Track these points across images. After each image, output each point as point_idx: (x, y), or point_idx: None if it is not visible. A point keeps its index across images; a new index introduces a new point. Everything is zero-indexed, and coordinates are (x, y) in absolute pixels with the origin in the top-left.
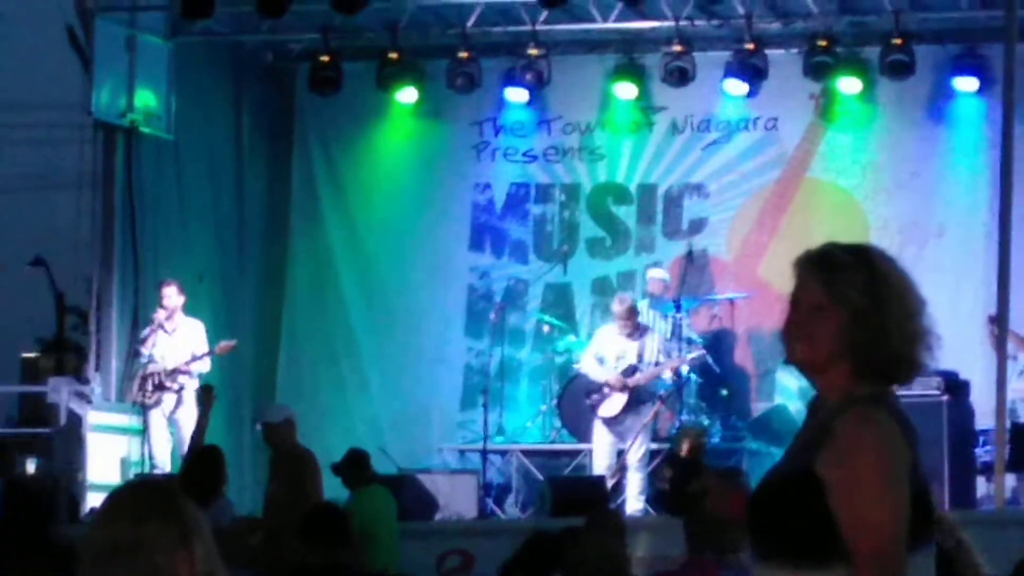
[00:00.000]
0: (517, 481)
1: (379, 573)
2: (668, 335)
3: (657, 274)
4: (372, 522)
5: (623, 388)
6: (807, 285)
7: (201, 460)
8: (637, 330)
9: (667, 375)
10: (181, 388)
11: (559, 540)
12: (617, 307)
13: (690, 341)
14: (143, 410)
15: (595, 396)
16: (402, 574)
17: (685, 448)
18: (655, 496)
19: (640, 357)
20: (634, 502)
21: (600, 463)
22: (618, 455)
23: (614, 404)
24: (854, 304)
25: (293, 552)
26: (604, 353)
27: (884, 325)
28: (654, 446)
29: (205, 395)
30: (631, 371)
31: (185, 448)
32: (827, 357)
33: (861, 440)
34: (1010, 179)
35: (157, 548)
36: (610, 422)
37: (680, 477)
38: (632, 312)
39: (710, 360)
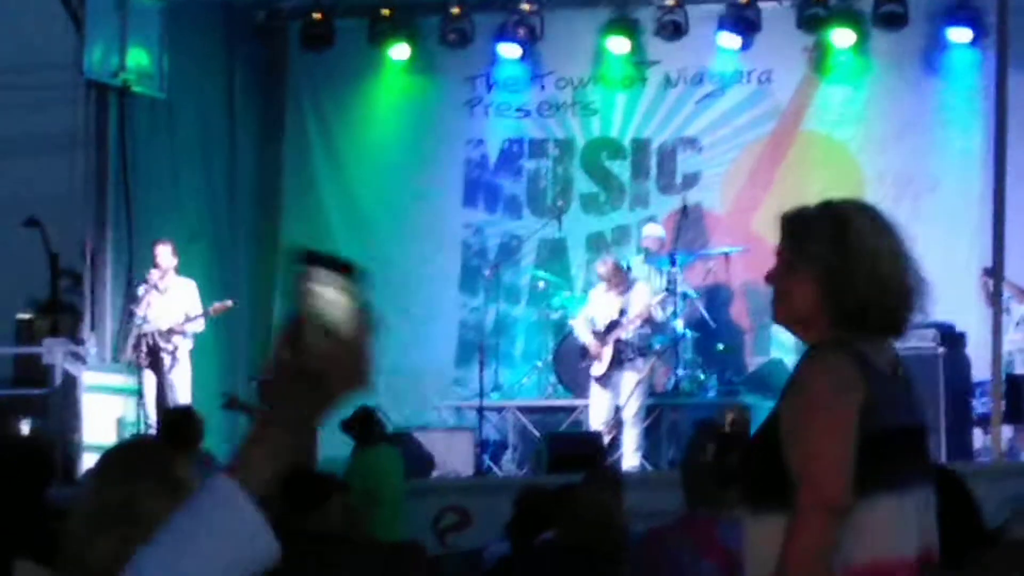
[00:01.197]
0: (514, 438)
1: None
2: (663, 289)
3: (653, 230)
4: (375, 481)
5: (603, 347)
6: (781, 245)
7: (170, 421)
8: (625, 286)
9: (636, 325)
10: (175, 348)
11: (553, 497)
12: (601, 269)
13: (685, 296)
14: (138, 370)
15: (586, 360)
16: (392, 542)
17: (728, 421)
18: (692, 470)
19: (623, 312)
20: (630, 457)
21: (596, 419)
22: (614, 411)
23: (602, 363)
24: (820, 261)
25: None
26: (594, 315)
27: (851, 279)
28: (651, 401)
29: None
30: (612, 326)
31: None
32: (803, 315)
33: (805, 382)
34: (1004, 130)
35: (148, 508)
36: (601, 380)
37: (723, 451)
38: (616, 271)
39: (705, 314)
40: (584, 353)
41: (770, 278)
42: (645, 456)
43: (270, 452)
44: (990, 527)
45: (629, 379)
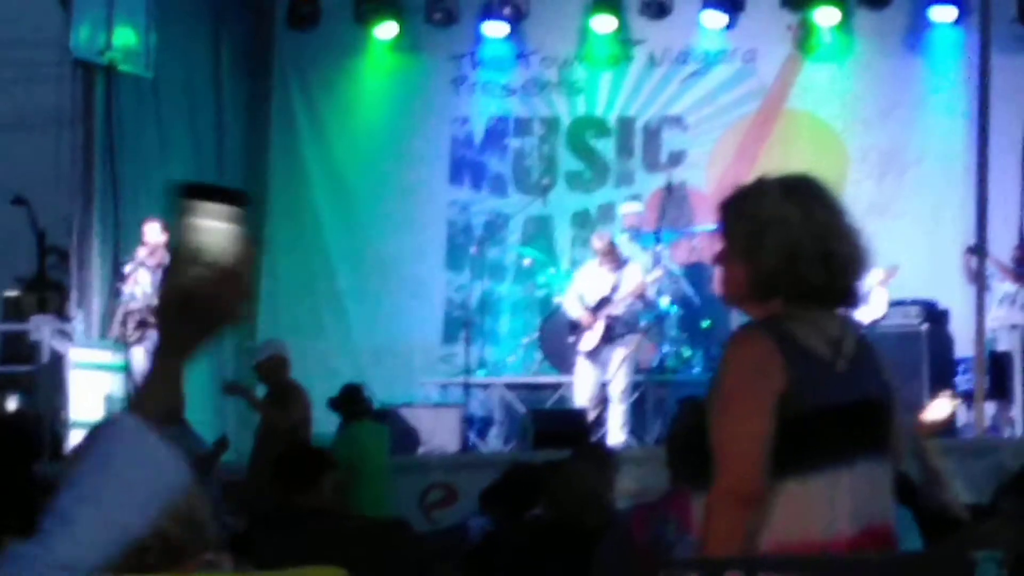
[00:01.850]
0: (499, 414)
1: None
2: (649, 267)
3: (631, 207)
4: (359, 457)
5: (595, 321)
6: (718, 229)
7: None
8: (618, 264)
9: (628, 302)
10: None
11: (540, 472)
12: (597, 244)
13: (670, 273)
14: (125, 347)
15: (575, 335)
16: (378, 518)
17: None
18: (676, 446)
19: (615, 289)
20: (617, 434)
21: (582, 396)
22: (600, 387)
23: (591, 338)
24: (739, 238)
25: (267, 492)
26: (584, 291)
27: (759, 250)
28: (639, 378)
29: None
30: (603, 303)
31: None
32: (738, 293)
33: (723, 363)
34: (987, 109)
35: None
36: (590, 355)
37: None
38: (612, 248)
39: (690, 292)
40: (574, 328)
41: (714, 261)
42: (631, 432)
43: (166, 383)
44: (973, 503)
45: (617, 355)
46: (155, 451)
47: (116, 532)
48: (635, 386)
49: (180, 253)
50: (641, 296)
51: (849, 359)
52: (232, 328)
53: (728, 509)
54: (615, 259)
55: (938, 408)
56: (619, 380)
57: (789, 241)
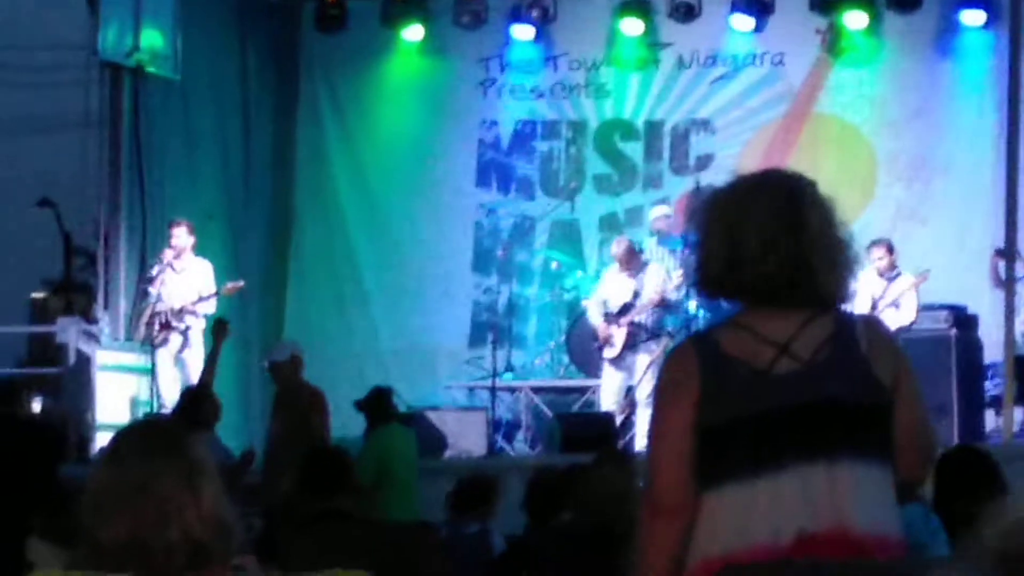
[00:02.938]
0: (526, 418)
1: (379, 521)
2: (670, 270)
3: (660, 211)
4: (388, 460)
5: (618, 329)
6: None
7: (190, 401)
8: (638, 268)
9: (649, 309)
10: (188, 328)
11: (566, 477)
12: (615, 249)
13: None
14: (151, 349)
15: (598, 342)
16: (403, 521)
17: None
18: None
19: (636, 294)
20: (643, 439)
21: (608, 401)
22: (627, 392)
23: (614, 347)
24: (697, 239)
25: (292, 494)
26: (607, 296)
27: (706, 251)
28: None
29: (218, 328)
30: (625, 309)
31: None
32: (704, 293)
33: (656, 378)
34: (1017, 113)
35: (163, 489)
36: (614, 362)
37: None
38: (631, 253)
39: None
40: (596, 335)
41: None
42: None
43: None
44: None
45: (642, 361)
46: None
47: None
48: None
49: None
50: (662, 303)
51: (802, 359)
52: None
53: (650, 522)
54: (635, 264)
55: None
56: (645, 385)
57: (755, 240)
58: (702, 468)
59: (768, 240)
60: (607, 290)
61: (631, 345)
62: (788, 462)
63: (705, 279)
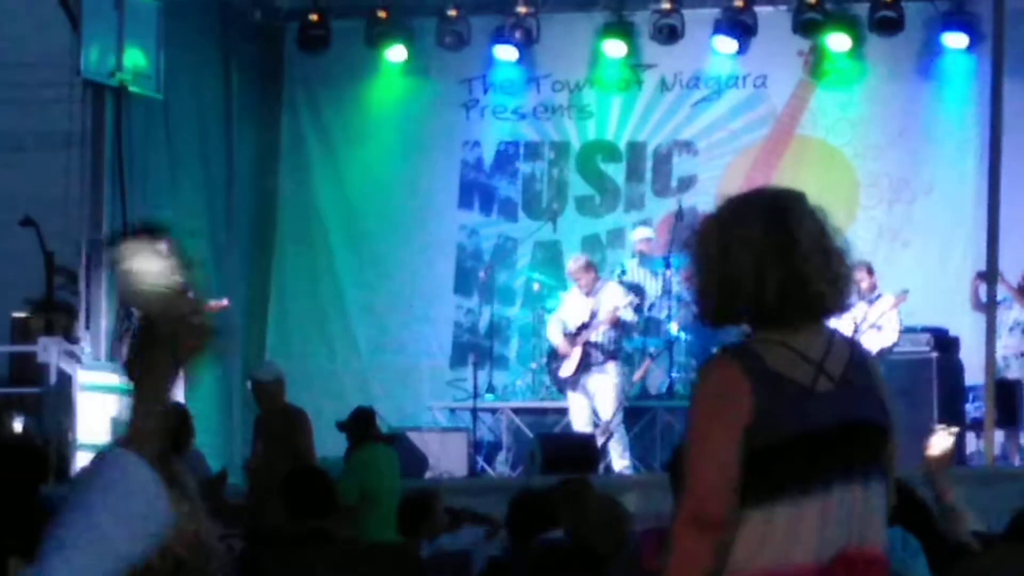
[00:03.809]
0: (507, 439)
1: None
2: (659, 292)
3: (642, 233)
4: (370, 481)
5: (572, 348)
6: None
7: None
8: (594, 287)
9: (605, 328)
10: None
11: (548, 498)
12: (571, 267)
13: (680, 299)
14: None
15: (557, 362)
16: (385, 541)
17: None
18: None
19: (593, 314)
20: (619, 461)
21: (576, 422)
22: (593, 414)
23: (569, 364)
24: (704, 263)
25: (276, 514)
26: (565, 317)
27: (729, 279)
28: (645, 403)
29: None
30: (582, 328)
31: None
32: (712, 320)
33: (692, 394)
34: (999, 135)
35: None
36: (568, 382)
37: None
38: (586, 269)
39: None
40: (554, 355)
41: (687, 284)
42: (639, 458)
43: (151, 417)
44: (982, 531)
45: (600, 383)
46: (150, 487)
47: (110, 560)
48: (643, 411)
49: (126, 298)
50: (615, 324)
51: (835, 379)
52: (207, 348)
53: (687, 538)
54: (591, 282)
55: (938, 443)
56: (606, 409)
57: (751, 261)
58: (750, 485)
59: (761, 260)
60: (566, 310)
61: (586, 365)
62: (834, 482)
63: (706, 310)
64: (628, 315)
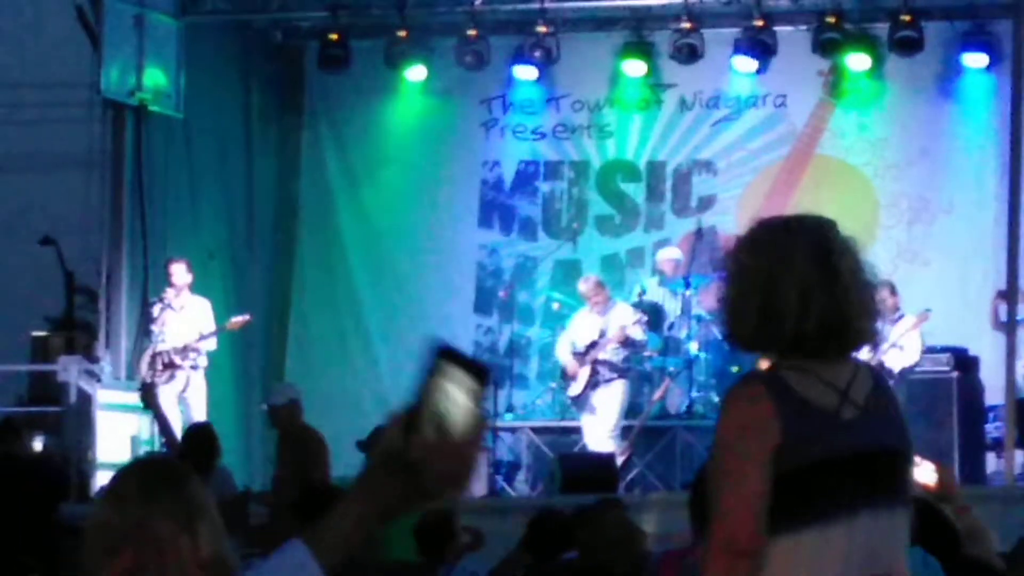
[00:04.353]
0: (527, 458)
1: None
2: (679, 312)
3: (669, 254)
4: None
5: (581, 367)
6: None
7: (191, 438)
8: (606, 306)
9: (612, 346)
10: (193, 367)
11: (567, 518)
12: (583, 287)
13: (699, 318)
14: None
15: (565, 381)
16: (403, 561)
17: None
18: (700, 493)
19: (603, 333)
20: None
21: (589, 442)
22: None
23: (577, 384)
24: (735, 290)
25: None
26: (575, 338)
27: (737, 302)
28: (665, 423)
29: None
30: (591, 347)
31: None
32: (742, 344)
33: (720, 415)
34: (1019, 155)
35: (160, 530)
36: (578, 403)
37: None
38: (597, 289)
39: (718, 335)
40: (563, 374)
41: (718, 306)
42: (658, 478)
43: (349, 529)
44: (1001, 551)
45: (604, 397)
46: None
47: None
48: (663, 431)
49: (422, 411)
50: (624, 341)
51: (860, 406)
52: (445, 498)
53: (720, 564)
54: (602, 301)
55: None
56: (607, 423)
57: (795, 292)
58: (778, 510)
59: (806, 291)
60: (575, 330)
61: (593, 384)
62: (860, 508)
63: (740, 333)
64: (637, 333)
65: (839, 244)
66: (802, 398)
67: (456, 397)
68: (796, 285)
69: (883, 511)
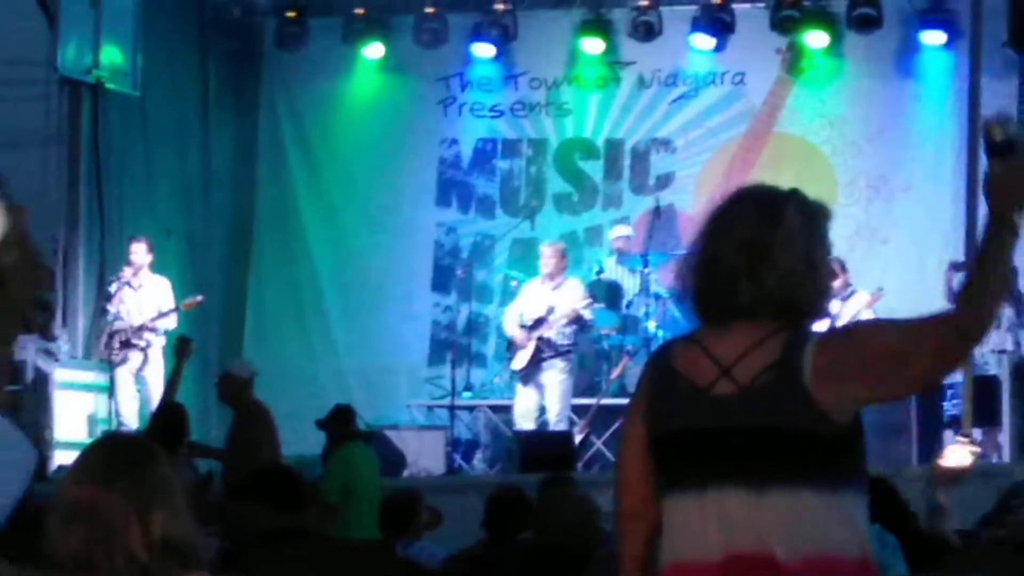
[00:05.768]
0: (485, 437)
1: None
2: (637, 290)
3: (620, 231)
4: (352, 479)
5: (527, 341)
6: None
7: (164, 416)
8: (559, 280)
9: (560, 324)
10: (148, 345)
11: (525, 496)
12: (546, 249)
13: (657, 296)
14: (110, 367)
15: (511, 352)
16: (363, 540)
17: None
18: None
19: (550, 310)
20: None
21: (521, 418)
22: (540, 411)
23: (522, 357)
24: None
25: (248, 513)
26: (523, 309)
27: (686, 272)
28: (623, 401)
29: (182, 346)
30: (538, 323)
31: (153, 406)
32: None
33: None
34: (977, 132)
35: (111, 511)
36: (521, 376)
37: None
38: (559, 259)
39: (677, 315)
40: (510, 346)
41: None
42: (617, 455)
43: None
44: (960, 528)
45: (550, 379)
46: (9, 433)
47: None
48: (621, 409)
49: None
50: (576, 320)
51: (742, 385)
52: (33, 294)
53: (615, 525)
54: (558, 273)
55: (955, 456)
56: (554, 406)
57: (700, 256)
58: (657, 476)
59: (716, 259)
60: (524, 301)
61: (537, 360)
62: (710, 484)
63: (678, 292)
64: (587, 314)
65: (773, 207)
66: (674, 370)
67: None
68: (711, 247)
69: (743, 490)
